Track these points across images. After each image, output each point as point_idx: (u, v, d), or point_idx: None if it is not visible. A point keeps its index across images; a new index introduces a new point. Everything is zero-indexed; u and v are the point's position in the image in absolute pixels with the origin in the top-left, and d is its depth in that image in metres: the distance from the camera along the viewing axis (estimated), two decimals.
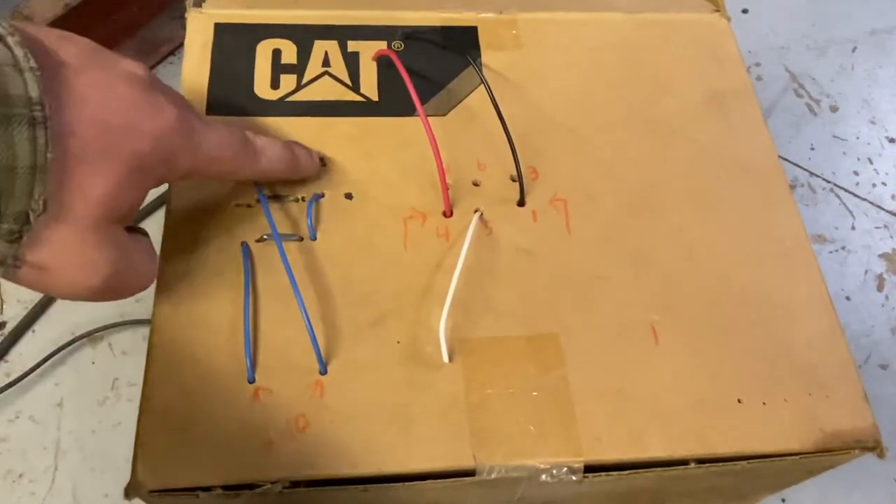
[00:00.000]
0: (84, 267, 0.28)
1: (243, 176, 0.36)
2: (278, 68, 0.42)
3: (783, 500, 0.59)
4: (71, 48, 0.28)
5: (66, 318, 0.61)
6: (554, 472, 0.33)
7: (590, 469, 0.33)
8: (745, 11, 0.85)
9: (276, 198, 0.38)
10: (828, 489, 0.59)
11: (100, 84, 0.28)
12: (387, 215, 0.38)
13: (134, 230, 0.32)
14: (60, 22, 0.63)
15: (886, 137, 0.78)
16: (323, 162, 0.39)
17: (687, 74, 0.46)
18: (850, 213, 0.73)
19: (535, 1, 0.47)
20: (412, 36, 0.44)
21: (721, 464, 0.34)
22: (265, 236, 0.37)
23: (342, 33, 0.44)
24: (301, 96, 0.41)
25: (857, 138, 0.78)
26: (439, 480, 0.32)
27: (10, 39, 0.25)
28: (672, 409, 0.35)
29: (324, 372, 0.34)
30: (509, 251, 0.38)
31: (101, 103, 0.28)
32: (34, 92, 0.25)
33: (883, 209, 0.73)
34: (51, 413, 0.58)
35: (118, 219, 0.29)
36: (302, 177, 0.38)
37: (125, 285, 0.31)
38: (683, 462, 0.34)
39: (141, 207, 0.33)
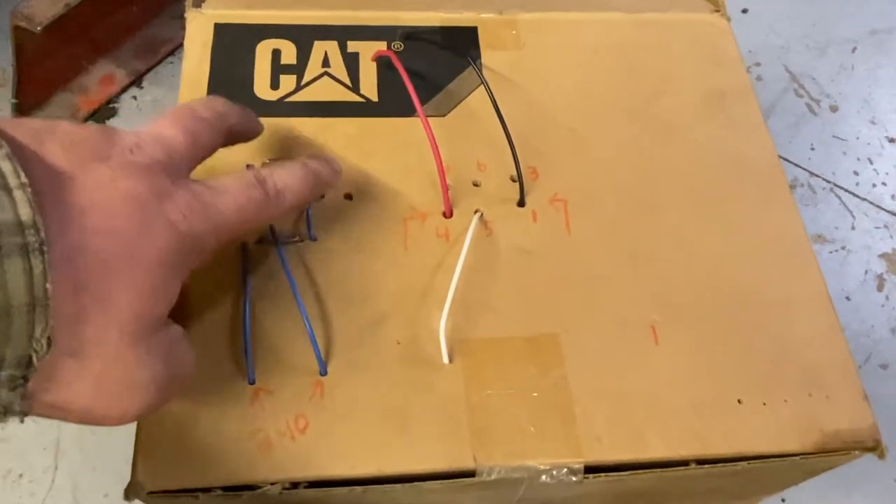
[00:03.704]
0: (127, 393, 0.26)
1: (272, 221, 0.32)
2: (278, 69, 0.42)
3: (783, 500, 0.59)
4: (54, 145, 0.25)
5: None
6: (554, 472, 0.33)
7: (590, 469, 0.33)
8: (745, 11, 0.85)
9: None
10: (828, 489, 0.59)
11: (99, 186, 0.25)
12: (387, 216, 0.38)
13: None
14: (60, 22, 0.63)
15: (886, 137, 0.78)
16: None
17: (687, 74, 0.46)
18: (850, 213, 0.73)
19: (535, 1, 0.47)
20: (412, 36, 0.44)
21: (721, 464, 0.34)
22: (265, 237, 0.37)
23: (342, 33, 0.44)
24: (301, 97, 0.41)
25: (857, 138, 0.78)
26: (439, 481, 0.32)
27: None
28: (672, 410, 0.35)
29: (324, 373, 0.34)
30: (509, 251, 0.38)
31: (106, 208, 0.25)
32: (25, 214, 0.22)
33: (883, 209, 0.73)
34: None
35: (156, 325, 0.27)
36: (327, 190, 0.36)
37: (170, 394, 0.28)
38: (683, 462, 0.34)
39: None
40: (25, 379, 0.23)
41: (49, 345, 0.23)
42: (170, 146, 0.29)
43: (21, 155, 0.23)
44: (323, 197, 0.38)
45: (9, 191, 0.22)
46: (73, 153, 0.25)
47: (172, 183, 0.28)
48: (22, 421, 0.24)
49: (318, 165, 0.34)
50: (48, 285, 0.22)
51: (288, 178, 0.32)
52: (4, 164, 0.22)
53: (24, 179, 0.22)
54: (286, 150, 0.39)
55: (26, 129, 0.25)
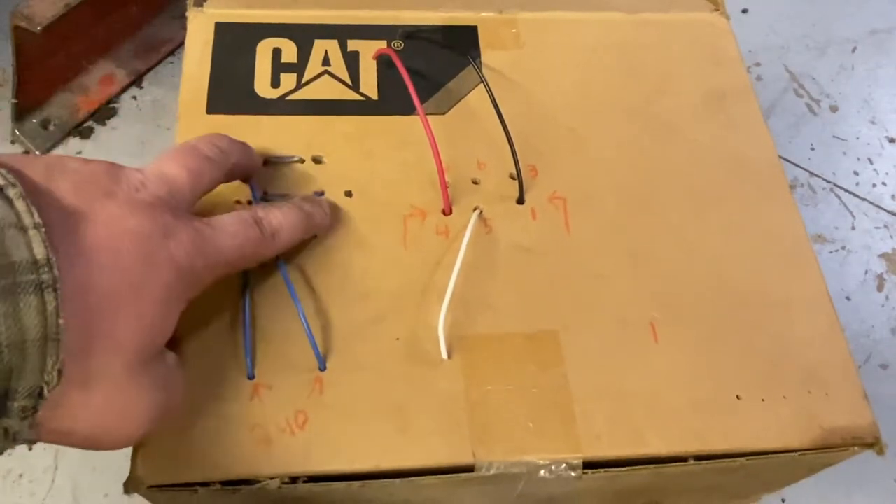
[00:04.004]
0: (127, 420, 0.27)
1: (266, 260, 0.34)
2: (278, 67, 0.42)
3: (783, 500, 0.59)
4: (63, 183, 0.26)
5: None
6: (553, 468, 0.33)
7: (589, 466, 0.33)
8: (745, 11, 0.85)
9: (276, 197, 0.38)
10: (828, 489, 0.59)
11: (107, 223, 0.26)
12: (386, 213, 0.38)
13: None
14: (60, 22, 0.63)
15: (886, 137, 0.78)
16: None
17: (687, 74, 0.46)
18: (850, 213, 0.73)
19: (535, 0, 0.47)
20: (412, 35, 0.44)
21: (720, 461, 0.34)
22: None
23: (342, 32, 0.44)
24: (301, 95, 0.42)
25: (857, 138, 0.78)
26: (438, 476, 0.32)
27: (10, 191, 0.24)
28: (671, 407, 0.35)
29: (323, 368, 0.34)
30: (509, 249, 0.38)
31: (114, 245, 0.26)
32: (40, 252, 0.23)
33: (883, 209, 0.73)
34: None
35: (155, 355, 0.28)
36: (318, 232, 0.37)
37: (163, 420, 0.29)
38: (682, 459, 0.34)
39: None
40: (35, 409, 0.24)
41: (59, 377, 0.24)
42: (173, 184, 0.30)
43: (33, 193, 0.25)
44: (323, 194, 0.38)
45: (24, 230, 0.23)
46: (83, 191, 0.27)
47: (175, 220, 0.29)
48: (30, 448, 0.25)
49: (311, 208, 0.36)
50: (60, 321, 0.23)
51: (283, 220, 0.34)
52: (19, 204, 0.23)
53: (38, 219, 0.24)
54: (286, 148, 0.40)
55: (37, 167, 0.26)
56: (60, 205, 0.26)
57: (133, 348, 0.26)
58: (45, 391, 0.24)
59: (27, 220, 0.23)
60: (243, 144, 0.36)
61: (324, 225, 0.37)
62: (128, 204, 0.27)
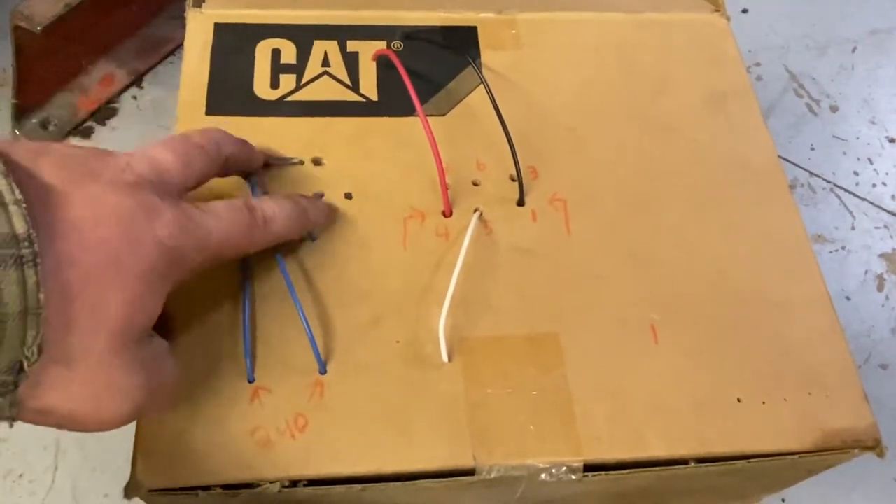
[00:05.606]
0: (111, 399, 0.27)
1: (258, 249, 0.34)
2: (278, 68, 0.42)
3: (783, 500, 0.59)
4: (48, 164, 0.26)
5: None
6: (553, 471, 0.33)
7: (589, 468, 0.33)
8: (745, 11, 0.85)
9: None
10: (828, 489, 0.59)
11: (89, 201, 0.26)
12: (386, 215, 0.38)
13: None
14: (60, 22, 0.63)
15: (886, 137, 0.78)
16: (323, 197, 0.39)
17: (687, 74, 0.46)
18: (850, 213, 0.73)
19: (534, 1, 0.47)
20: (412, 36, 0.44)
21: (720, 463, 0.34)
22: None
23: (342, 33, 0.44)
24: (300, 96, 0.41)
25: (857, 138, 0.78)
26: (439, 480, 0.32)
27: None
28: (671, 409, 0.35)
29: (323, 372, 0.34)
30: (509, 251, 0.38)
31: (95, 222, 0.26)
32: (21, 227, 0.23)
33: (883, 209, 0.73)
34: None
35: (141, 335, 0.28)
36: (311, 229, 0.37)
37: (154, 405, 0.29)
38: (683, 461, 0.34)
39: None
40: (16, 385, 0.24)
41: (40, 352, 0.24)
42: (160, 166, 0.30)
43: (16, 172, 0.25)
44: (323, 195, 0.38)
45: (4, 206, 0.23)
46: (66, 171, 0.26)
47: (161, 200, 0.28)
48: (11, 426, 0.25)
49: (307, 203, 0.36)
50: (41, 295, 0.24)
51: (277, 210, 0.33)
52: (0, 181, 0.24)
53: (18, 195, 0.24)
54: (286, 149, 0.39)
55: (22, 148, 0.26)
56: (43, 183, 0.26)
57: (117, 326, 0.26)
58: (26, 366, 0.24)
59: (8, 196, 0.23)
60: (241, 140, 0.36)
61: (319, 222, 0.37)
62: (111, 184, 0.27)
